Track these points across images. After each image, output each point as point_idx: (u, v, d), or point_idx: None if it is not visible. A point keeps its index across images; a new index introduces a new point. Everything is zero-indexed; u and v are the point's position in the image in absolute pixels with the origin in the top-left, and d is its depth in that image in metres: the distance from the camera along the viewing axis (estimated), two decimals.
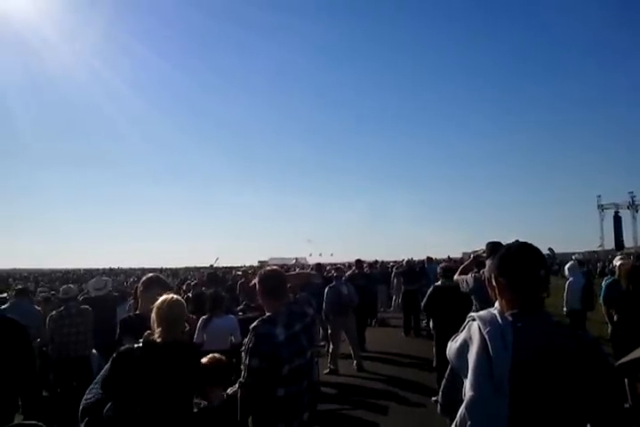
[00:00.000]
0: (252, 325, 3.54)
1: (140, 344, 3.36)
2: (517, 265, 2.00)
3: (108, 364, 3.38)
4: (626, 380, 6.04)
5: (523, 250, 2.04)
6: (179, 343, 3.45)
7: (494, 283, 2.08)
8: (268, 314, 3.64)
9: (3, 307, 6.84)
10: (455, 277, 6.28)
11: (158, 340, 3.34)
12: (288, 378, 3.47)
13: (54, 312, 7.06)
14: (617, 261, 9.54)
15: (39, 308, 7.80)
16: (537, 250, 2.04)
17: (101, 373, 3.65)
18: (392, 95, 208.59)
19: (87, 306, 7.04)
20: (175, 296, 3.55)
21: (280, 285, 3.78)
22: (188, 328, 3.76)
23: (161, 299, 3.46)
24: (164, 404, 3.27)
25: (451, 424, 2.00)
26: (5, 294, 8.26)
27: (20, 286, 8.38)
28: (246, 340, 3.55)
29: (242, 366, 3.55)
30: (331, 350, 9.78)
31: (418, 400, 7.54)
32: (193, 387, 3.54)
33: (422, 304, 8.20)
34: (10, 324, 4.90)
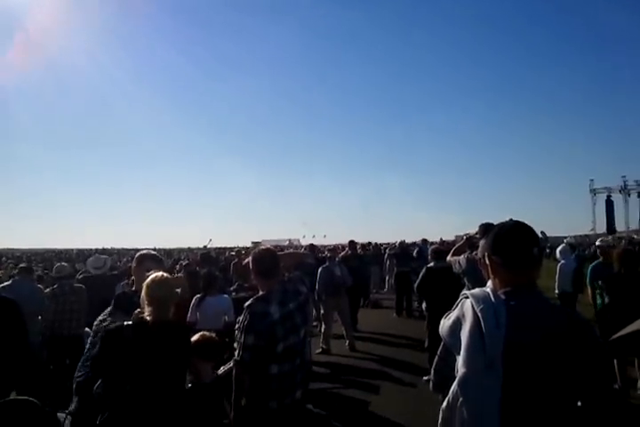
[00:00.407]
0: (247, 303, 3.57)
1: (130, 322, 3.33)
2: (511, 243, 1.99)
3: (98, 342, 3.36)
4: (615, 362, 6.12)
5: (516, 228, 2.03)
6: (168, 322, 3.43)
7: (487, 261, 2.07)
8: (262, 293, 3.67)
9: (5, 284, 6.79)
10: (448, 258, 6.31)
11: (148, 318, 3.33)
12: (282, 356, 3.50)
13: (48, 290, 7.07)
14: (598, 242, 9.68)
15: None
16: (530, 228, 2.04)
17: (90, 351, 3.66)
18: (390, 80, 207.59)
19: (81, 284, 7.04)
20: (165, 274, 3.50)
21: (274, 263, 3.80)
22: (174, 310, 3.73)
23: (150, 277, 3.42)
24: (154, 383, 3.25)
25: (442, 401, 2.01)
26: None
27: (24, 265, 8.28)
28: (241, 318, 3.58)
29: (235, 345, 3.58)
30: (323, 330, 9.84)
31: (409, 380, 7.60)
32: (183, 366, 3.53)
33: (415, 285, 8.26)
34: (2, 302, 4.91)
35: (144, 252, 4.31)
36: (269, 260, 3.81)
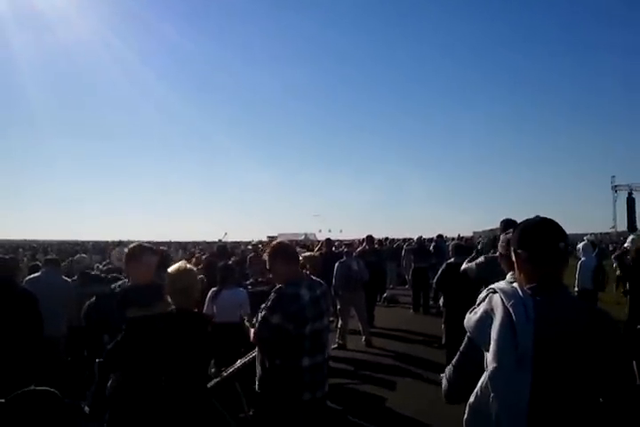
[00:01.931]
0: (277, 288, 3.68)
1: (150, 313, 3.33)
2: (537, 237, 1.98)
3: (121, 333, 3.35)
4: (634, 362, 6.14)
5: (543, 223, 2.03)
6: (191, 312, 3.44)
7: (513, 256, 2.06)
8: (288, 279, 3.74)
9: (33, 276, 6.78)
10: (463, 266, 6.24)
11: (171, 308, 3.33)
12: (311, 345, 3.60)
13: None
14: (628, 244, 9.53)
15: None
16: (557, 224, 2.02)
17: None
18: (411, 74, 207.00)
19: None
20: (188, 265, 3.54)
21: (295, 252, 4.04)
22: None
23: (174, 267, 3.46)
24: (177, 373, 3.27)
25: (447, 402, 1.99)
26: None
27: (50, 257, 8.27)
28: (268, 301, 3.65)
29: (253, 325, 3.71)
30: (339, 326, 9.79)
31: (426, 377, 7.54)
32: (205, 355, 3.53)
33: (434, 280, 8.20)
34: (24, 295, 4.93)
35: (136, 244, 4.07)
36: (290, 248, 4.03)
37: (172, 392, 3.20)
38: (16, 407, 3.69)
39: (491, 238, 5.50)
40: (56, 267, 7.03)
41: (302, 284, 3.69)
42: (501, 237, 3.43)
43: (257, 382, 3.74)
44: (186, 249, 30.77)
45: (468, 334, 2.09)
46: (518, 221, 2.20)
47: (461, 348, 2.33)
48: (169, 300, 3.37)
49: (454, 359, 2.41)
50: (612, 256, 9.12)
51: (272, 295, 3.64)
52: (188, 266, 3.52)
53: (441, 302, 8.55)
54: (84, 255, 7.87)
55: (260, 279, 8.57)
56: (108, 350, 3.38)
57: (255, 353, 3.97)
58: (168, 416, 3.18)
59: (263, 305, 3.70)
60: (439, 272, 7.95)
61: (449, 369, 2.42)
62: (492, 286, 2.03)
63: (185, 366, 3.27)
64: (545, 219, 2.05)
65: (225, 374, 4.52)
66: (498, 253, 3.40)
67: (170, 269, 3.43)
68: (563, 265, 2.00)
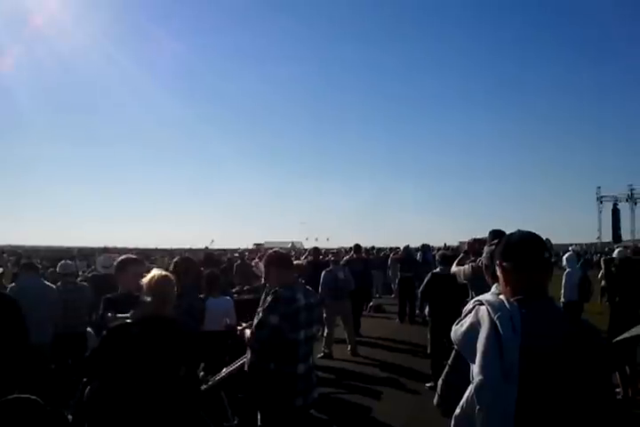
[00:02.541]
0: (273, 290, 3.82)
1: (130, 320, 3.37)
2: (521, 248, 2.01)
3: (99, 341, 3.37)
4: (628, 370, 6.40)
5: (525, 235, 2.07)
6: (169, 319, 3.45)
7: (499, 270, 2.08)
8: (284, 284, 3.87)
9: (16, 283, 6.70)
10: (452, 269, 6.26)
11: (149, 315, 3.35)
12: (304, 352, 3.76)
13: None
14: (616, 254, 9.60)
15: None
16: (539, 236, 2.06)
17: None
18: (396, 83, 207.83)
19: (84, 283, 6.98)
20: (164, 272, 3.56)
21: (290, 259, 4.23)
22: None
23: (150, 274, 3.47)
24: (155, 379, 3.25)
25: (442, 415, 2.00)
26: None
27: (26, 261, 8.19)
28: (265, 303, 3.80)
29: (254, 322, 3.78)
30: (325, 334, 9.74)
31: (411, 386, 7.57)
32: (183, 362, 3.53)
33: (419, 290, 8.23)
34: (3, 300, 4.89)
35: (124, 257, 4.55)
36: (285, 255, 4.20)
37: (146, 399, 3.19)
38: None
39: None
40: (33, 272, 6.97)
41: (298, 289, 3.84)
42: (485, 248, 3.47)
43: (246, 387, 3.78)
44: (173, 256, 30.62)
45: (455, 346, 2.09)
46: (507, 230, 2.24)
47: (450, 360, 2.35)
48: (148, 307, 3.38)
49: (444, 372, 2.42)
50: (602, 260, 9.23)
51: (269, 298, 3.76)
52: (164, 273, 3.53)
53: (426, 311, 8.55)
54: (69, 261, 7.76)
55: (246, 287, 8.57)
56: (85, 357, 3.40)
57: (241, 361, 3.99)
58: (143, 423, 3.17)
59: (260, 308, 3.81)
60: (424, 282, 7.98)
61: (440, 382, 2.43)
62: (479, 297, 2.05)
63: (160, 373, 3.26)
64: (527, 231, 2.09)
65: (210, 382, 4.51)
66: (482, 264, 3.43)
67: (147, 277, 3.45)
68: (547, 275, 2.02)
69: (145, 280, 3.45)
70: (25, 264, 7.30)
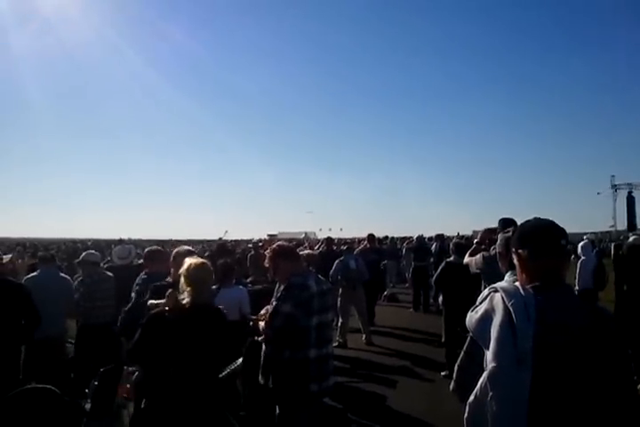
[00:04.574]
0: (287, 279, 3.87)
1: (167, 307, 3.42)
2: (538, 234, 1.99)
3: (139, 329, 3.41)
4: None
5: (542, 221, 2.06)
6: (207, 306, 3.49)
7: (515, 258, 2.06)
8: (294, 274, 3.91)
9: (32, 275, 6.70)
10: (465, 259, 6.23)
11: (187, 303, 3.40)
12: (317, 338, 3.76)
13: (80, 278, 7.04)
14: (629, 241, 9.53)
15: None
16: (556, 223, 2.04)
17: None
18: (408, 72, 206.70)
19: (109, 273, 6.96)
20: (202, 260, 3.63)
21: (295, 250, 4.24)
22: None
23: (188, 262, 3.53)
24: (195, 366, 3.32)
25: (459, 401, 1.99)
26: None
27: (43, 253, 8.16)
28: (278, 292, 3.90)
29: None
30: (340, 324, 9.77)
31: (426, 375, 7.59)
32: (222, 348, 3.59)
33: (433, 279, 8.21)
34: (9, 286, 4.95)
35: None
36: (289, 247, 4.20)
37: (180, 384, 3.23)
38: (16, 405, 3.72)
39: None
40: (52, 264, 6.97)
41: (309, 277, 3.87)
42: (499, 235, 3.44)
43: (262, 376, 3.80)
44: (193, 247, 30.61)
45: (470, 333, 2.09)
46: (519, 219, 2.22)
47: (465, 347, 2.34)
48: (185, 295, 3.42)
49: (459, 359, 2.42)
50: (612, 246, 9.20)
51: (284, 288, 3.82)
52: (201, 260, 3.58)
53: (440, 300, 8.54)
54: (93, 251, 7.71)
55: (261, 277, 8.56)
56: (130, 346, 3.45)
57: (238, 364, 4.03)
58: (178, 410, 3.21)
59: (273, 298, 3.87)
60: (439, 270, 7.96)
61: (456, 369, 2.43)
62: (494, 285, 2.03)
63: (197, 360, 3.30)
64: (543, 218, 2.07)
65: (226, 371, 4.53)
66: (496, 252, 3.41)
67: (186, 265, 3.50)
68: (565, 261, 2.00)
69: (182, 268, 3.51)
70: (42, 256, 7.28)
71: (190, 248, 4.85)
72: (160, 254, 5.23)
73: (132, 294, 5.04)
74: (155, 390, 3.28)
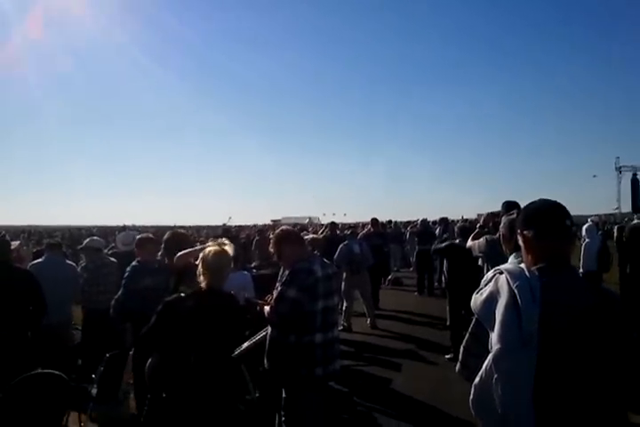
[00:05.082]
0: (292, 264, 3.86)
1: (184, 294, 3.46)
2: (543, 215, 2.00)
3: (155, 314, 3.42)
4: None
5: (547, 202, 2.05)
6: (223, 293, 3.55)
7: (520, 239, 2.06)
8: (299, 259, 3.90)
9: (37, 261, 6.72)
10: (468, 243, 6.23)
11: (204, 288, 3.44)
12: (322, 322, 3.75)
13: (82, 263, 7.07)
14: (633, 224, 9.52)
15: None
16: (561, 204, 2.04)
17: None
18: (409, 57, 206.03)
19: (113, 259, 6.99)
20: (220, 247, 3.65)
21: (299, 234, 4.21)
22: None
23: (206, 249, 3.57)
24: (215, 352, 3.35)
25: (466, 380, 1.99)
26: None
27: (51, 241, 8.19)
28: (283, 277, 3.87)
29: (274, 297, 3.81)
30: (344, 308, 9.77)
31: (431, 358, 7.62)
32: (239, 333, 3.61)
33: (432, 247, 8.33)
34: (16, 272, 4.97)
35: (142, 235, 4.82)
36: (293, 232, 4.19)
37: (201, 371, 3.25)
38: (23, 390, 3.75)
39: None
40: (59, 250, 6.99)
41: (315, 261, 3.87)
42: (503, 218, 3.43)
43: (267, 360, 3.82)
44: (190, 234, 30.74)
45: (476, 315, 2.08)
46: (523, 202, 2.21)
47: (470, 328, 2.34)
48: (202, 279, 3.44)
49: (464, 340, 2.42)
50: (615, 228, 9.21)
51: (287, 272, 3.82)
52: (220, 248, 3.61)
53: (444, 277, 8.50)
54: (96, 238, 7.76)
55: (265, 262, 8.55)
56: (142, 331, 3.46)
57: (260, 335, 4.02)
58: (198, 394, 3.24)
59: (278, 283, 3.85)
60: (442, 245, 8.04)
61: (461, 350, 2.43)
62: (499, 267, 2.02)
63: (215, 345, 3.32)
64: (547, 199, 2.07)
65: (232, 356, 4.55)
66: (500, 235, 3.40)
67: (206, 251, 3.54)
68: (570, 242, 2.00)
69: (201, 255, 3.55)
70: (49, 243, 7.29)
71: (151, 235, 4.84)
72: (151, 242, 5.23)
73: (123, 282, 5.02)
74: (175, 377, 3.29)
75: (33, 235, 27.86)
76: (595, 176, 54.18)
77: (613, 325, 1.81)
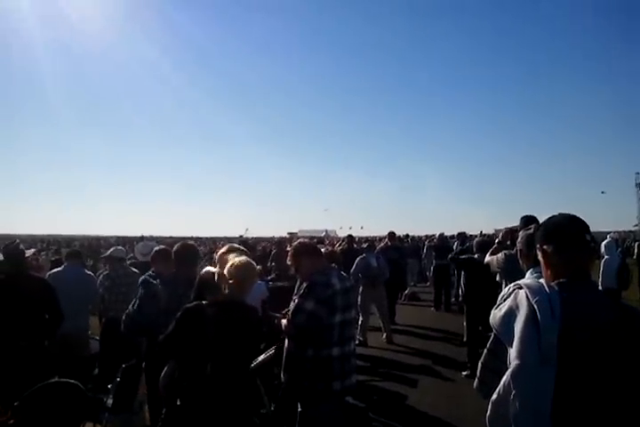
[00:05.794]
0: (310, 277, 3.85)
1: (205, 302, 3.44)
2: (562, 230, 1.98)
3: (174, 321, 3.42)
4: None
5: (567, 216, 2.04)
6: (244, 304, 3.55)
7: (540, 254, 2.04)
8: (317, 271, 3.88)
9: (56, 270, 6.78)
10: (486, 258, 6.20)
11: (226, 297, 3.45)
12: (340, 335, 3.72)
13: (104, 273, 7.15)
14: None
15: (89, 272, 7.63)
16: (580, 218, 2.02)
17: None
18: (427, 69, 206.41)
19: (135, 269, 7.03)
20: (246, 258, 3.67)
21: (316, 247, 4.20)
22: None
23: (232, 260, 3.58)
24: (232, 363, 3.34)
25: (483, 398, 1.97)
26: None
27: (71, 250, 8.30)
28: (300, 289, 3.87)
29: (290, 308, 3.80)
30: (360, 322, 9.69)
31: (447, 374, 7.54)
32: (256, 346, 3.63)
33: (450, 255, 8.33)
34: (33, 281, 5.01)
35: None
36: (311, 244, 4.22)
37: (217, 381, 3.24)
38: (39, 399, 3.76)
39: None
40: (79, 260, 7.06)
41: (332, 274, 3.83)
42: (520, 233, 3.41)
43: (284, 374, 3.80)
44: (207, 245, 30.86)
45: (494, 330, 2.06)
46: (541, 217, 2.20)
47: (488, 344, 2.32)
48: (225, 290, 3.47)
49: (482, 356, 2.40)
50: (636, 244, 9.12)
51: (304, 284, 3.80)
52: (246, 259, 3.63)
53: (460, 291, 8.45)
54: (120, 247, 7.84)
55: (283, 274, 8.58)
56: (160, 338, 3.46)
57: (274, 349, 4.02)
58: (213, 404, 3.23)
59: (295, 295, 3.84)
60: (462, 257, 8.00)
61: (479, 366, 2.40)
62: (519, 281, 2.01)
63: (232, 356, 3.32)
64: (567, 214, 2.05)
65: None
66: (517, 250, 3.38)
67: (232, 262, 3.54)
68: (590, 257, 1.98)
69: (227, 265, 3.55)
70: (70, 252, 7.37)
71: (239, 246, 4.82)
72: (166, 254, 5.25)
73: (140, 291, 4.92)
74: (190, 386, 3.29)
75: (52, 244, 28.06)
76: (603, 193, 53.79)
77: (635, 341, 1.78)
